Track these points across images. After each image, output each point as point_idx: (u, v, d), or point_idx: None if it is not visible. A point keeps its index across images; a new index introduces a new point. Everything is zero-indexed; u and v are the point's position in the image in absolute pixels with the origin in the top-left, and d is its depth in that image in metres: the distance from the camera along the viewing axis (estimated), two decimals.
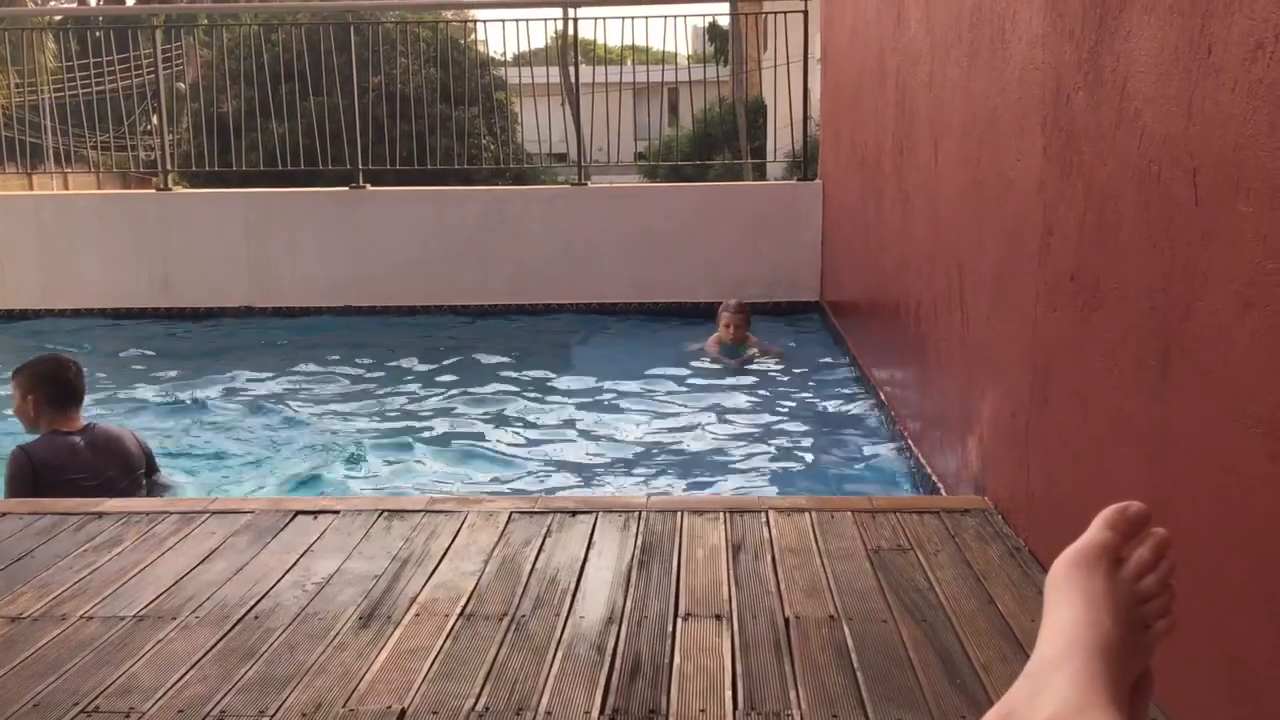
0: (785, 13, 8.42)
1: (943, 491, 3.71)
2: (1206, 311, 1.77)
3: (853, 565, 2.66)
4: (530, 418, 5.42)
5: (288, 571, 2.67)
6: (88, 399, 4.11)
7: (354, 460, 4.72)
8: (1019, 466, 2.90)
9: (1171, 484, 1.92)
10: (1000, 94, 3.07)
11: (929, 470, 3.97)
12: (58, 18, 16.44)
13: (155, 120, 9.23)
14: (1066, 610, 0.89)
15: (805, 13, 8.00)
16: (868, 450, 4.72)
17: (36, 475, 3.67)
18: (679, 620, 2.36)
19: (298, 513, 3.10)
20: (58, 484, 3.65)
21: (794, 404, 5.66)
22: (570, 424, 5.31)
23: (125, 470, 3.88)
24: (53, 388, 3.90)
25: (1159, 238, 1.96)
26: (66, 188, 11.25)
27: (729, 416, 5.41)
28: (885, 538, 2.84)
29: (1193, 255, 1.82)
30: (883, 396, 5.11)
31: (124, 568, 2.71)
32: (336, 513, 3.10)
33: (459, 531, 2.93)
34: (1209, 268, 1.77)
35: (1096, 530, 0.93)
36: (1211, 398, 1.77)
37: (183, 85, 12.61)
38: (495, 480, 4.53)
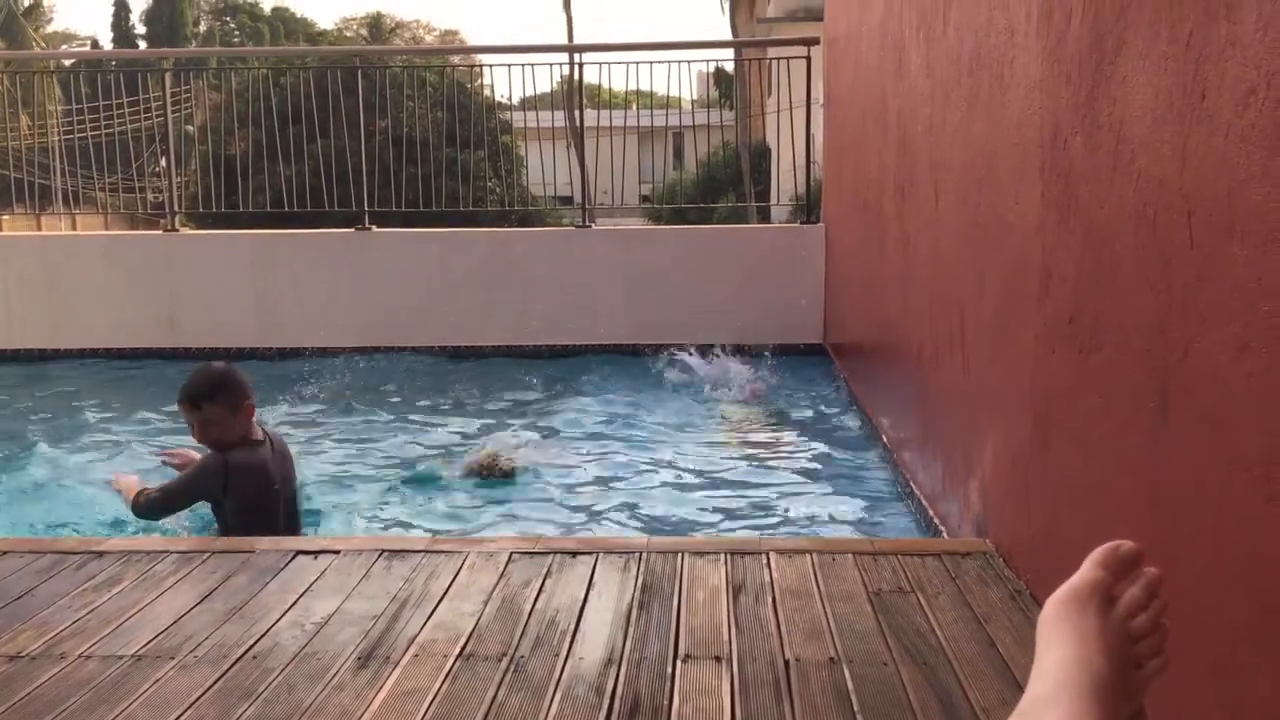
0: (789, 59, 8.51)
1: (944, 534, 3.70)
2: (1203, 353, 1.78)
3: (853, 607, 2.65)
4: (532, 458, 5.41)
5: (287, 611, 2.67)
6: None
7: (354, 500, 4.71)
8: (1020, 509, 2.89)
9: (1170, 525, 1.92)
10: (999, 138, 3.10)
11: (930, 512, 3.96)
12: (69, 61, 16.62)
13: (163, 162, 9.30)
14: (1058, 649, 0.89)
15: (808, 59, 8.08)
16: (869, 491, 4.71)
17: (227, 480, 3.60)
18: (679, 662, 2.35)
19: (298, 552, 3.10)
20: (256, 491, 3.64)
21: (796, 445, 5.66)
22: (571, 464, 5.31)
23: (293, 477, 3.85)
24: (232, 394, 3.69)
25: (1155, 280, 1.97)
26: (74, 229, 11.32)
27: (730, 457, 5.41)
28: (886, 580, 2.83)
29: (1189, 297, 1.83)
30: (884, 438, 5.11)
31: (123, 607, 2.71)
32: (337, 553, 3.09)
33: (459, 572, 2.92)
34: (1205, 310, 1.78)
35: (1088, 569, 0.94)
36: (1209, 439, 1.77)
37: (191, 128, 12.73)
38: (497, 520, 4.51)
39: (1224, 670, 1.71)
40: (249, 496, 3.63)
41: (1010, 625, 2.52)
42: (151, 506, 3.68)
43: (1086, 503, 2.40)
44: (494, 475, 5.00)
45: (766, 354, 7.22)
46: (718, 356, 7.10)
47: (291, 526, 3.80)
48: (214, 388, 3.70)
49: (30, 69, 11.18)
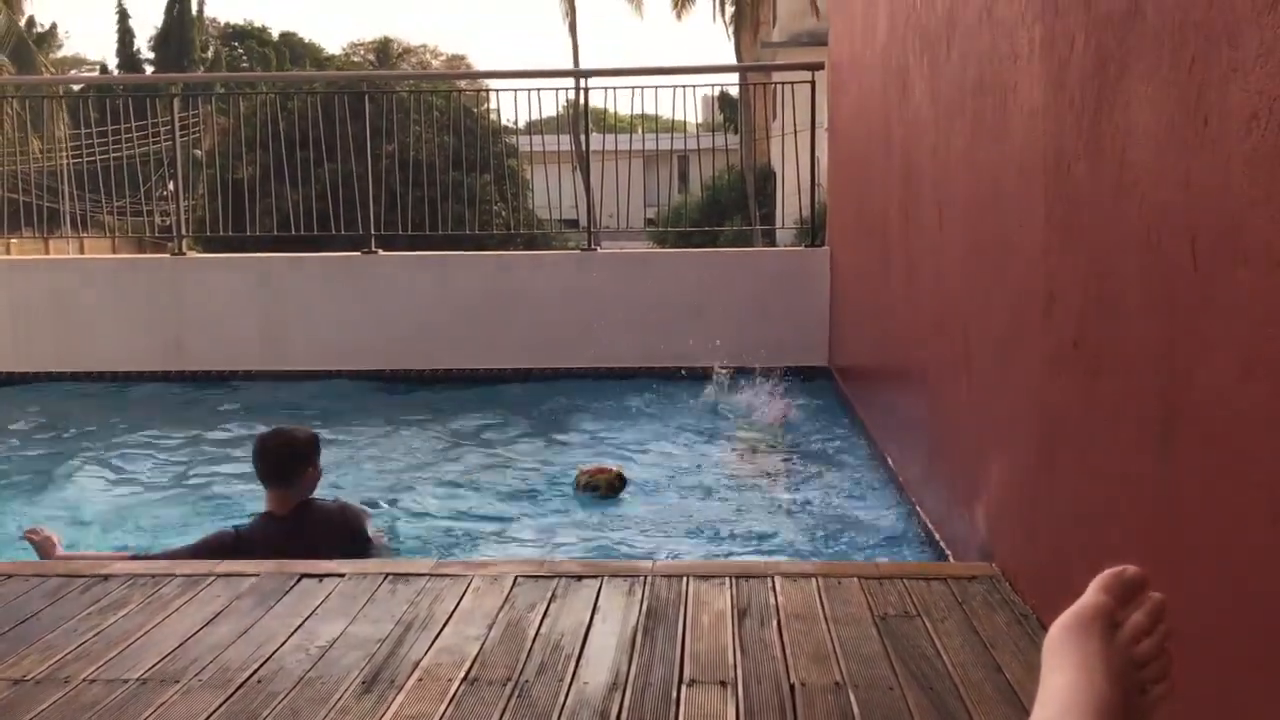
0: (793, 83, 8.54)
1: (950, 557, 3.69)
2: (1208, 377, 1.78)
3: (859, 631, 2.65)
4: (537, 481, 5.41)
5: (291, 635, 2.67)
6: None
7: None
8: (1026, 532, 2.89)
9: (1176, 549, 1.91)
10: (1003, 163, 3.11)
11: (936, 536, 3.95)
12: (78, 86, 16.74)
13: (171, 186, 9.35)
14: (1062, 674, 0.89)
15: (813, 83, 8.11)
16: (874, 515, 4.69)
17: (236, 554, 3.49)
18: (683, 687, 2.35)
19: (303, 576, 3.10)
20: None
21: (801, 468, 5.65)
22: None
23: (329, 554, 3.56)
24: (255, 465, 3.81)
25: (1160, 304, 1.98)
26: (82, 252, 11.37)
27: (735, 481, 5.40)
28: (892, 604, 2.82)
29: (1193, 321, 1.84)
30: (890, 461, 5.10)
31: (129, 630, 2.71)
32: (342, 576, 3.09)
33: (464, 595, 2.92)
34: (1209, 333, 1.78)
35: (1092, 594, 0.94)
36: (1215, 462, 1.77)
37: (199, 152, 12.80)
38: (501, 544, 4.51)
39: (1230, 695, 1.70)
40: None
41: (1017, 650, 2.51)
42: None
43: (1092, 527, 2.39)
44: (605, 491, 5.05)
45: (759, 375, 7.14)
46: (733, 379, 7.06)
47: None
48: (254, 460, 3.83)
49: (40, 94, 11.26)
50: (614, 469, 5.14)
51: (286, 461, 3.77)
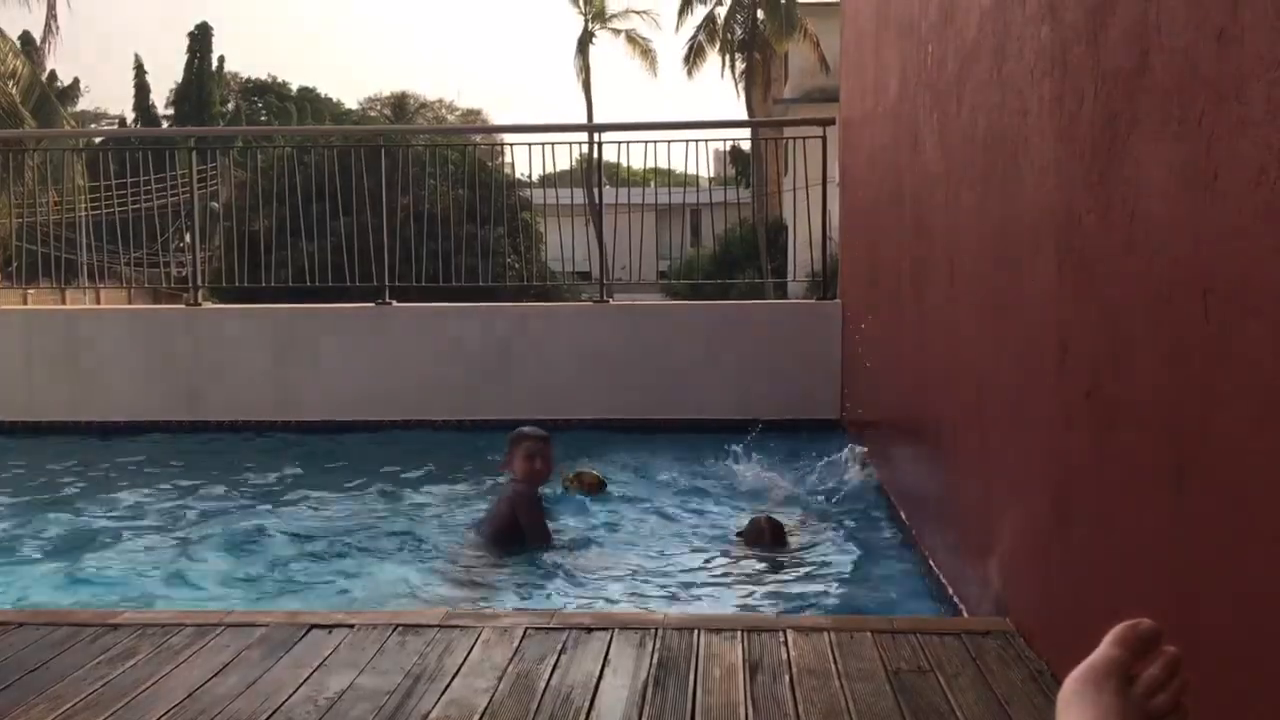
0: (805, 138, 8.62)
1: (964, 612, 3.66)
2: (1221, 428, 1.78)
3: (872, 687, 2.62)
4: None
5: (300, 686, 2.65)
6: None
7: (368, 573, 4.70)
8: (1040, 586, 2.86)
9: (1192, 602, 1.90)
10: (1014, 216, 3.13)
11: (950, 590, 3.92)
12: (98, 139, 16.96)
13: (188, 238, 9.44)
14: None
15: (824, 138, 8.18)
16: (887, 569, 4.66)
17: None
18: None
19: (312, 626, 3.08)
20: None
21: (813, 521, 5.62)
22: (587, 538, 5.28)
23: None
24: None
25: (1172, 356, 1.98)
26: (99, 303, 11.46)
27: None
28: (905, 659, 2.80)
29: (1205, 373, 1.84)
30: (902, 515, 5.07)
31: (137, 680, 2.69)
32: (351, 627, 3.08)
33: (473, 647, 2.90)
34: (1222, 385, 1.78)
35: (1107, 647, 0.93)
36: (1229, 514, 1.76)
37: (216, 204, 12.93)
38: (511, 594, 4.48)
39: None
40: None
41: (1032, 707, 2.48)
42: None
43: (1108, 580, 2.37)
44: (588, 489, 5.96)
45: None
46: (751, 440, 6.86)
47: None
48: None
49: (60, 146, 11.39)
50: (595, 473, 6.09)
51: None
